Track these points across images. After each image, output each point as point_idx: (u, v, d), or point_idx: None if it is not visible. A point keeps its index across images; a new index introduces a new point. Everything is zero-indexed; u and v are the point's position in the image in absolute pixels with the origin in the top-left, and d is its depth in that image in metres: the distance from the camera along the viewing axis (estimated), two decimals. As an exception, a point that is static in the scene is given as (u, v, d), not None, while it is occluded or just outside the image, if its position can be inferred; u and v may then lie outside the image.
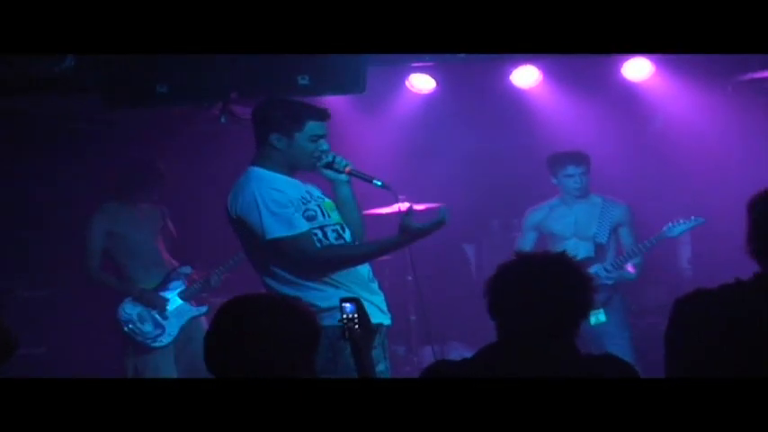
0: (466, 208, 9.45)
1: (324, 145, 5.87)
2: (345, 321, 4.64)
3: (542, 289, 3.72)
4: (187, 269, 8.44)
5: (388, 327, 5.93)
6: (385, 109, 9.17)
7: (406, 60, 8.21)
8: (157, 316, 8.22)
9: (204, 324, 8.10)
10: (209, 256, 8.54)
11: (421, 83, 8.98)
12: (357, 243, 5.96)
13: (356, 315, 4.63)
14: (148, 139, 8.91)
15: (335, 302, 4.95)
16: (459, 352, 8.62)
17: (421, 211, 8.47)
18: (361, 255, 5.86)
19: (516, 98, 9.16)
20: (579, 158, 8.23)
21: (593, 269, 7.96)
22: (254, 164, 5.86)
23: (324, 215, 5.82)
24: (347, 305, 4.66)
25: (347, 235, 5.89)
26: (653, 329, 7.90)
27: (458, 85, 9.07)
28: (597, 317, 7.88)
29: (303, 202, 5.77)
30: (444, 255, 9.80)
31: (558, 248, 7.86)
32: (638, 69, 8.70)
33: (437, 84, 8.93)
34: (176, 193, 8.75)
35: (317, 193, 5.93)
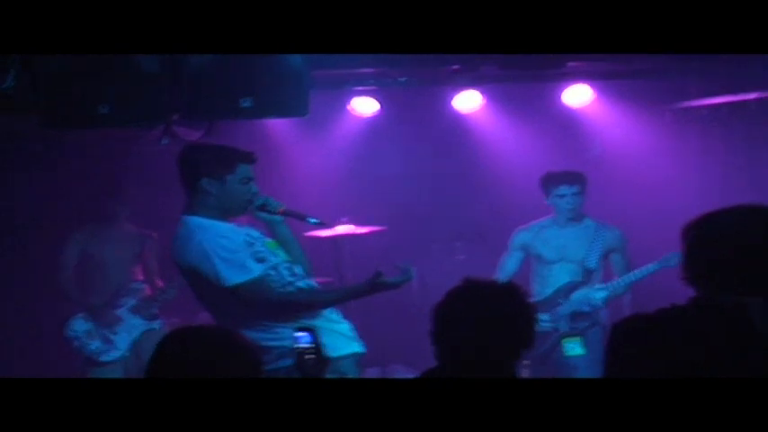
0: (408, 231, 9.50)
1: (254, 187, 5.83)
2: (298, 352, 4.58)
3: (485, 318, 3.77)
4: (138, 284, 8.45)
5: (361, 354, 5.90)
6: (327, 132, 9.20)
7: (348, 84, 8.27)
8: (106, 331, 8.23)
9: (159, 338, 8.07)
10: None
11: (363, 106, 9.01)
12: (315, 285, 5.95)
13: (311, 345, 4.59)
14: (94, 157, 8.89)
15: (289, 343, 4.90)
16: (402, 374, 8.63)
17: (364, 234, 8.53)
18: (323, 301, 5.83)
19: (458, 122, 9.21)
20: (573, 178, 7.97)
21: (580, 293, 7.83)
22: (187, 213, 5.75)
23: (272, 254, 5.78)
24: (301, 334, 4.60)
25: (298, 269, 5.86)
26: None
27: (400, 109, 9.13)
28: (574, 347, 7.70)
29: (249, 245, 5.70)
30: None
31: (544, 270, 7.95)
32: (578, 95, 8.80)
33: (380, 107, 8.97)
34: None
35: (255, 233, 5.86)
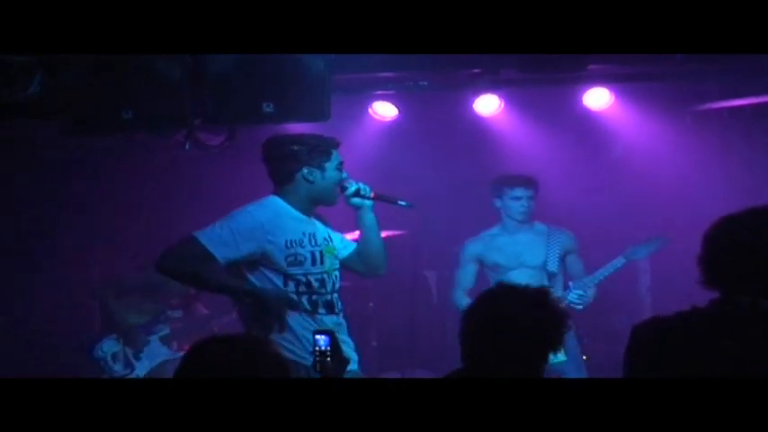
0: (427, 235, 9.52)
1: (344, 172, 5.97)
2: (318, 354, 4.66)
3: (516, 323, 3.80)
4: (176, 313, 8.45)
5: (356, 373, 5.91)
6: (348, 136, 9.20)
7: (369, 88, 8.29)
8: (131, 355, 8.24)
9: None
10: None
11: (383, 110, 9.04)
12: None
13: (329, 348, 4.66)
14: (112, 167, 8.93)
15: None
16: (421, 378, 8.65)
17: (383, 238, 8.55)
18: (212, 284, 5.91)
19: (478, 126, 9.22)
20: (529, 182, 7.89)
21: (560, 293, 7.71)
22: (276, 194, 5.91)
23: (314, 262, 5.85)
24: (320, 337, 4.68)
25: (330, 282, 5.91)
26: (610, 359, 7.84)
27: (420, 113, 9.15)
28: (557, 355, 7.60)
29: (294, 245, 5.79)
30: (406, 282, 9.83)
31: (503, 278, 7.60)
32: (598, 98, 8.81)
33: (399, 111, 8.99)
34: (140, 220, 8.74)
35: (322, 233, 5.97)
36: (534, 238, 7.92)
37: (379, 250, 6.11)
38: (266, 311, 5.65)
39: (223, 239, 5.65)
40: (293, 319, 5.69)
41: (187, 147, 6.99)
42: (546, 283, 7.70)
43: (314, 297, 5.81)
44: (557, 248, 7.88)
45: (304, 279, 5.79)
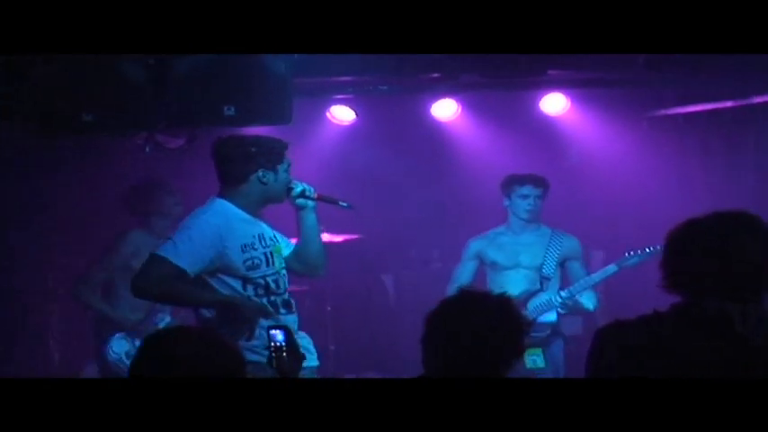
0: (384, 238, 9.55)
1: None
2: (274, 350, 4.66)
3: (480, 328, 3.83)
4: None
5: (317, 367, 5.96)
6: (306, 140, 9.23)
7: (328, 92, 8.31)
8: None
9: None
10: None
11: (341, 114, 9.06)
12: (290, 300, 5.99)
13: (285, 343, 4.66)
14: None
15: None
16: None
17: (340, 242, 8.57)
18: (193, 300, 5.88)
19: (436, 130, 9.26)
20: (540, 181, 7.90)
21: (537, 300, 7.71)
22: (222, 196, 5.88)
23: (268, 263, 5.85)
24: (276, 332, 4.67)
25: (284, 282, 5.94)
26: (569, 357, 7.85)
27: (378, 117, 9.17)
28: (534, 360, 7.51)
29: (248, 248, 5.79)
30: (363, 285, 9.86)
31: (499, 278, 7.82)
32: (554, 104, 8.86)
33: (357, 115, 9.02)
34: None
35: (269, 233, 5.97)
36: (536, 240, 7.92)
37: (320, 250, 6.14)
38: (238, 320, 5.65)
39: (188, 252, 5.63)
40: (260, 323, 5.69)
41: (147, 149, 6.97)
42: (537, 285, 7.78)
43: (272, 298, 5.83)
44: (555, 252, 7.86)
45: (262, 282, 5.80)
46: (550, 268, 7.83)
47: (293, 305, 5.95)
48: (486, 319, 3.86)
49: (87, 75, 6.40)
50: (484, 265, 8.06)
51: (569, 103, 8.81)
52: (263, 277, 5.81)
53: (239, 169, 5.85)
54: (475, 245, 8.10)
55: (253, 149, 5.87)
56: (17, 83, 6.26)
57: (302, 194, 5.97)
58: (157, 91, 6.52)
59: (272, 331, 4.69)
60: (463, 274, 8.03)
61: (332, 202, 6.11)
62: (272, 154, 5.87)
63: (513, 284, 7.60)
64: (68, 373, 8.47)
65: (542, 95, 8.80)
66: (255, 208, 5.91)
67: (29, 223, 8.80)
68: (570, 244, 7.95)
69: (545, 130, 9.27)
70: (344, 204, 6.13)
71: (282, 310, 5.85)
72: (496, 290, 7.66)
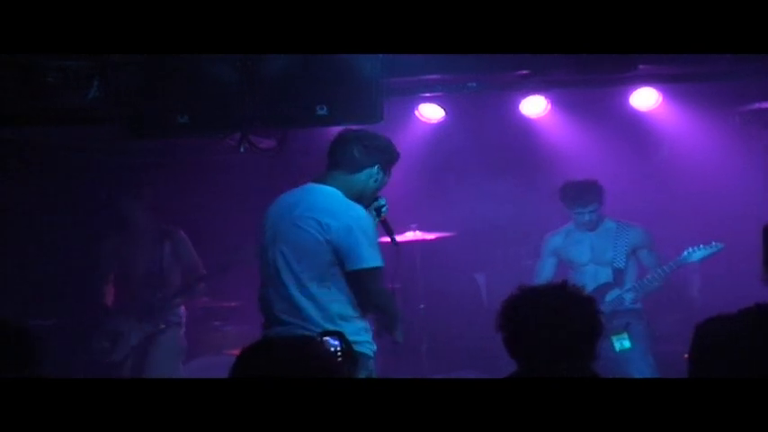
0: (475, 236, 9.53)
1: None
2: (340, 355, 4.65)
3: (548, 323, 3.82)
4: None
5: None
6: (396, 138, 9.23)
7: (417, 90, 8.32)
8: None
9: (163, 342, 8.37)
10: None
11: (430, 112, 9.07)
12: None
13: (340, 348, 4.64)
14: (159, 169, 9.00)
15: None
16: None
17: (432, 240, 8.58)
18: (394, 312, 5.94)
19: (525, 127, 9.23)
20: (587, 200, 8.07)
21: (612, 294, 7.97)
22: (323, 182, 5.86)
23: None
24: (330, 338, 4.68)
25: None
26: (668, 356, 7.82)
27: (466, 115, 9.16)
28: (622, 343, 7.80)
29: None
30: (455, 284, 9.84)
31: (577, 275, 8.04)
32: (645, 98, 8.79)
33: (446, 113, 9.02)
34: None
35: None
36: (603, 236, 8.17)
37: None
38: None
39: (377, 249, 5.74)
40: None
41: (242, 150, 7.00)
42: (611, 279, 8.05)
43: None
44: (623, 245, 8.09)
45: None
46: (621, 261, 8.07)
47: None
48: (551, 312, 3.85)
49: (177, 77, 6.48)
50: (562, 262, 8.33)
51: (660, 98, 8.73)
52: None
53: (361, 158, 5.83)
54: (552, 241, 8.38)
55: (383, 145, 5.91)
56: (111, 87, 6.34)
57: (380, 208, 5.99)
58: (249, 92, 6.56)
59: (326, 338, 4.70)
60: (545, 270, 8.32)
61: (389, 233, 6.12)
62: (393, 158, 5.92)
63: (591, 280, 7.94)
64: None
65: (632, 90, 8.72)
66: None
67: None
68: (636, 234, 8.18)
69: (635, 125, 9.20)
70: (395, 241, 6.14)
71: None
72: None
